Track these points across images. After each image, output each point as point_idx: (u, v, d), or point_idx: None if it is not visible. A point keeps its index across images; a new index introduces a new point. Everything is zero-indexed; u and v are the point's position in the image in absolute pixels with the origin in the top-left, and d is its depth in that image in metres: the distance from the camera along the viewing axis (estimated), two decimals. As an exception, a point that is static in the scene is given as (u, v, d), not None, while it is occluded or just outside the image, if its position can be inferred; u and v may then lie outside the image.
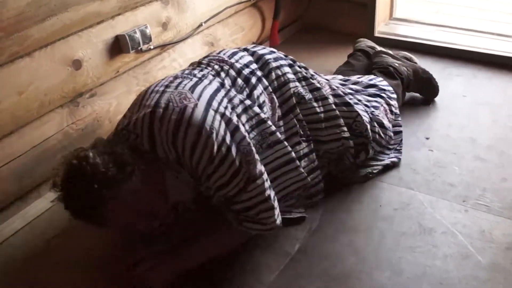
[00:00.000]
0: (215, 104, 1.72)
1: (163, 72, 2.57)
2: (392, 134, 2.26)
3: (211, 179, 1.68)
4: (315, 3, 3.43)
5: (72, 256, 1.91)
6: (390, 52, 2.64)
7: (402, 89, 2.45)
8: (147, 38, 2.39)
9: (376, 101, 2.26)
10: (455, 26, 3.20)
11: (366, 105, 2.22)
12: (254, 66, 2.00)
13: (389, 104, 2.30)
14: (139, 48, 2.37)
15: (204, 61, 1.99)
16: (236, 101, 1.82)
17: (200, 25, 2.72)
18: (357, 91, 2.29)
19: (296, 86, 2.05)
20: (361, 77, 2.41)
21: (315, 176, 2.02)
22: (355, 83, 2.35)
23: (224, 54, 2.02)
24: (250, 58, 2.03)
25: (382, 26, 3.29)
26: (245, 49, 2.09)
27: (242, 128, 1.73)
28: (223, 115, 1.71)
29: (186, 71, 1.90)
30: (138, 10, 2.37)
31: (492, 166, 2.16)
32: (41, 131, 2.09)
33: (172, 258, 1.76)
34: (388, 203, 2.01)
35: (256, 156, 1.73)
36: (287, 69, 2.06)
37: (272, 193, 1.77)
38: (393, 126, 2.29)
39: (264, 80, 1.98)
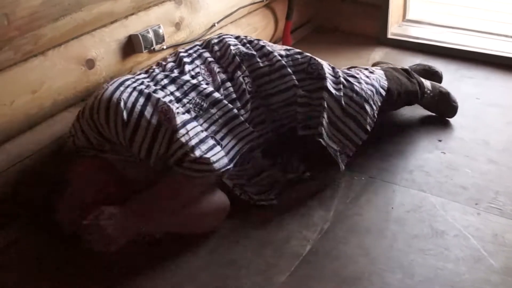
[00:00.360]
0: (127, 83, 1.89)
1: (175, 72, 2.57)
2: (371, 87, 2.21)
3: (134, 144, 1.81)
4: (328, 4, 3.42)
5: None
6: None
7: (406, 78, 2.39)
8: (160, 38, 2.39)
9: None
10: (468, 28, 3.18)
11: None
12: (194, 49, 2.20)
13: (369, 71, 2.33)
14: (152, 48, 2.37)
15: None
16: (160, 76, 2.01)
17: (213, 25, 2.72)
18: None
19: (238, 48, 2.19)
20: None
21: (263, 127, 2.14)
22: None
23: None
24: (196, 44, 2.26)
25: (395, 28, 3.28)
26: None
27: (158, 94, 1.88)
28: (133, 89, 1.86)
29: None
30: (151, 10, 2.37)
31: (505, 169, 2.14)
32: (54, 130, 2.09)
33: (125, 209, 1.80)
34: (400, 205, 2.01)
35: (177, 111, 1.85)
36: (229, 39, 2.24)
37: (209, 142, 1.86)
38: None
39: (204, 54, 2.16)
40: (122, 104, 1.80)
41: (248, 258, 1.84)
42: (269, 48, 2.21)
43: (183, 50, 2.21)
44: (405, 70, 2.44)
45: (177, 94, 1.96)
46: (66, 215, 1.82)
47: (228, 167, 1.89)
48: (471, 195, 2.03)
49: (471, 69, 2.85)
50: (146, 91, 1.87)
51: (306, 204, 2.05)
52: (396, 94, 2.29)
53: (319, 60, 2.22)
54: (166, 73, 2.04)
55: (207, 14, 2.67)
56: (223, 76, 2.10)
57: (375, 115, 2.19)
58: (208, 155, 1.82)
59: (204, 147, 1.83)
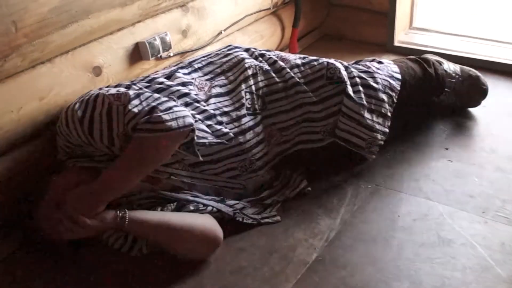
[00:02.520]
0: (90, 92, 1.92)
1: (182, 79, 2.57)
2: (385, 77, 2.25)
3: (94, 135, 1.81)
4: (335, 12, 3.43)
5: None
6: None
7: (419, 65, 2.41)
8: (167, 46, 2.40)
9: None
10: (475, 36, 3.18)
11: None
12: (199, 60, 2.19)
13: (377, 62, 2.36)
14: (159, 55, 2.37)
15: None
16: (139, 78, 2.06)
17: (220, 32, 2.72)
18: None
19: (252, 61, 2.18)
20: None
21: (260, 149, 2.11)
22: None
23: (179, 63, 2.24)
24: (203, 55, 2.24)
25: (401, 35, 3.28)
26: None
27: (107, 89, 1.90)
28: (90, 92, 1.91)
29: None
30: (159, 17, 2.38)
31: (512, 177, 2.14)
32: (60, 137, 2.10)
33: (93, 182, 1.80)
34: (407, 213, 2.00)
35: (129, 92, 1.83)
36: (239, 51, 2.23)
37: (168, 103, 1.82)
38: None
39: (206, 68, 2.15)
40: (77, 105, 1.83)
41: (254, 266, 1.84)
42: (281, 63, 2.19)
43: (185, 62, 2.20)
44: (423, 60, 2.44)
45: (146, 90, 1.94)
46: (44, 221, 1.81)
47: (192, 127, 1.80)
48: (478, 203, 2.02)
49: (478, 77, 2.85)
50: (101, 91, 1.88)
51: (313, 212, 2.05)
52: (408, 80, 2.32)
53: (334, 62, 2.24)
54: (144, 84, 2.02)
55: (214, 21, 2.67)
56: (219, 90, 2.08)
57: (395, 100, 2.25)
58: (161, 114, 1.76)
59: (161, 107, 1.79)
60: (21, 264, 1.92)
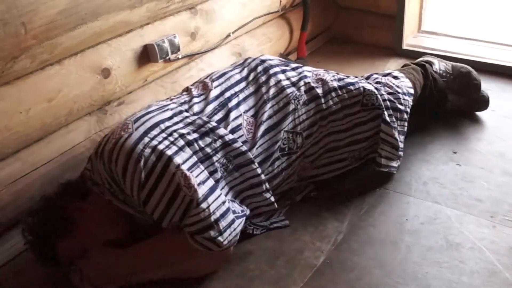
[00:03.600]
0: (153, 133, 1.77)
1: (190, 82, 2.55)
2: (405, 97, 2.24)
3: (148, 206, 1.72)
4: (343, 15, 3.43)
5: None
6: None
7: (422, 76, 2.42)
8: (175, 48, 2.40)
9: (374, 78, 2.33)
10: (483, 39, 3.17)
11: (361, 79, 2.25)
12: (240, 86, 2.05)
13: (393, 77, 2.33)
14: (167, 57, 2.38)
15: (190, 86, 2.08)
16: (191, 127, 1.85)
17: (228, 35, 2.73)
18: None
19: (292, 90, 2.06)
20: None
21: (285, 184, 2.08)
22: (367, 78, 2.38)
23: (211, 77, 2.10)
24: (238, 77, 2.08)
25: (410, 39, 3.28)
26: (242, 64, 2.17)
27: (182, 155, 1.75)
28: (158, 143, 1.74)
29: (167, 99, 2.03)
30: (167, 19, 2.39)
31: (521, 181, 2.13)
32: (69, 138, 2.11)
33: (115, 255, 1.79)
34: (415, 217, 2.00)
35: (198, 179, 1.73)
36: (278, 73, 2.11)
37: (229, 216, 1.75)
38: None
39: (250, 97, 2.03)
40: (142, 163, 1.69)
41: (261, 269, 1.83)
42: (317, 90, 2.08)
43: (219, 86, 2.04)
44: (423, 68, 2.46)
45: (208, 150, 1.82)
46: (65, 256, 1.78)
47: (235, 243, 1.79)
48: (486, 207, 2.01)
49: (487, 81, 2.82)
50: (168, 152, 1.73)
51: (320, 215, 2.04)
52: (417, 92, 2.34)
53: (370, 86, 2.15)
54: (202, 121, 1.87)
55: (222, 24, 2.68)
56: (262, 129, 1.96)
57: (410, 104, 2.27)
58: (221, 238, 1.71)
59: (223, 223, 1.72)
60: (28, 266, 1.92)
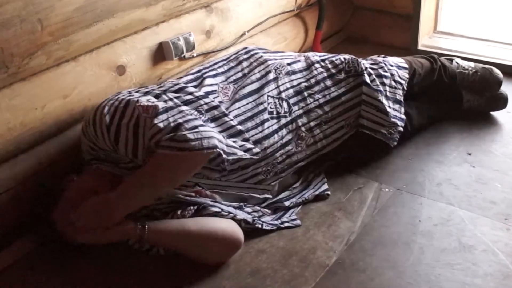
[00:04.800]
0: (119, 95, 1.91)
1: (204, 80, 2.58)
2: (391, 67, 2.35)
3: (119, 145, 1.81)
4: (358, 15, 3.42)
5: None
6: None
7: (428, 61, 2.49)
8: (190, 46, 2.41)
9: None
10: (499, 40, 3.15)
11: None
12: (219, 64, 2.21)
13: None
14: (182, 55, 2.38)
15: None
16: (160, 89, 2.00)
17: (243, 34, 2.73)
18: None
19: (274, 62, 2.21)
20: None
21: (284, 152, 2.10)
22: None
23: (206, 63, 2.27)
24: (218, 60, 2.25)
25: (425, 39, 3.26)
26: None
27: (137, 98, 1.86)
28: (120, 95, 1.91)
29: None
30: (182, 17, 2.39)
31: (535, 184, 2.12)
32: (83, 135, 2.12)
33: (109, 193, 1.80)
34: (428, 218, 1.99)
35: (157, 105, 1.82)
36: (261, 53, 2.26)
37: (195, 122, 1.81)
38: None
39: (230, 71, 2.18)
40: (106, 109, 1.83)
41: (273, 268, 1.84)
42: (302, 63, 2.27)
43: (207, 64, 2.23)
44: (430, 56, 2.54)
45: (176, 101, 1.93)
46: (61, 221, 1.82)
47: (216, 149, 1.79)
48: (500, 210, 2.00)
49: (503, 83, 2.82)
50: (131, 98, 1.87)
51: (333, 215, 2.04)
52: (416, 69, 2.41)
53: (349, 56, 2.32)
54: (176, 84, 2.04)
55: (237, 22, 2.68)
56: (243, 92, 2.10)
57: (405, 88, 2.34)
58: (189, 135, 1.74)
59: (187, 125, 1.77)
60: (40, 261, 1.94)
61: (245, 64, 2.21)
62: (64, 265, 1.91)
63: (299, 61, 2.27)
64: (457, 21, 3.47)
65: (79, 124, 2.07)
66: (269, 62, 2.20)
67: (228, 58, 2.26)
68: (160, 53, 2.33)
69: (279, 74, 2.18)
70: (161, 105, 1.83)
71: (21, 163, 1.95)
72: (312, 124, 2.17)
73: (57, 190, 1.89)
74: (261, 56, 2.23)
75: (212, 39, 2.57)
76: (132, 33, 2.20)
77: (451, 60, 2.56)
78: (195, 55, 2.46)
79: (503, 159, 2.26)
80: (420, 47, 3.19)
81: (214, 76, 2.14)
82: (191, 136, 1.74)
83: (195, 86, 2.06)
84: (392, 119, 2.24)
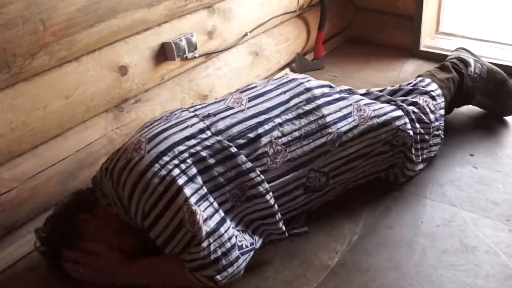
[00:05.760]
0: (165, 158, 1.69)
1: (207, 80, 2.58)
2: (437, 123, 2.21)
3: (151, 233, 1.70)
4: (361, 15, 3.42)
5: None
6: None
7: (458, 84, 2.36)
8: (192, 46, 2.41)
9: (413, 97, 2.21)
10: (502, 41, 3.15)
11: (401, 105, 2.11)
12: (278, 111, 1.92)
13: (431, 97, 2.22)
14: (185, 55, 2.38)
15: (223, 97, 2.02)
16: (208, 151, 1.75)
17: (245, 34, 2.73)
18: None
19: (331, 129, 1.95)
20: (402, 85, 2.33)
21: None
22: (394, 92, 2.27)
23: (248, 94, 1.99)
24: (277, 101, 1.95)
25: (427, 40, 3.26)
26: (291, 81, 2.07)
27: (187, 190, 1.66)
28: (168, 172, 1.67)
29: (182, 109, 1.94)
30: (185, 18, 2.39)
31: (538, 185, 2.11)
32: (85, 135, 2.12)
33: (120, 267, 1.78)
34: (430, 219, 1.99)
35: (203, 216, 1.65)
36: (324, 110, 1.98)
37: (232, 254, 1.70)
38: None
39: (287, 124, 1.90)
40: (148, 192, 1.65)
41: (275, 269, 1.83)
42: (354, 131, 1.98)
43: (260, 99, 1.96)
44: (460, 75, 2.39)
45: (220, 179, 1.75)
46: (70, 265, 1.79)
47: (239, 278, 1.75)
48: (503, 211, 2.00)
49: (504, 83, 2.82)
50: (179, 182, 1.66)
51: (335, 216, 2.04)
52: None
53: (405, 126, 2.05)
54: (225, 144, 1.77)
55: (239, 23, 2.68)
56: (290, 165, 1.86)
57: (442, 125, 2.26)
58: (219, 277, 1.67)
59: (224, 262, 1.67)
60: (40, 261, 1.92)
61: (303, 121, 1.93)
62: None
63: (355, 127, 1.98)
64: (459, 22, 3.47)
65: (81, 125, 2.08)
66: (327, 131, 1.93)
67: (288, 101, 1.97)
68: (162, 54, 2.33)
69: (332, 146, 1.93)
70: (205, 226, 1.65)
71: (24, 163, 1.95)
72: (340, 190, 2.07)
73: (72, 229, 1.79)
74: (322, 117, 1.94)
75: (214, 40, 2.57)
76: (134, 34, 2.20)
77: (467, 65, 2.42)
78: (197, 55, 2.46)
79: (506, 160, 2.25)
80: (422, 48, 3.19)
81: (270, 131, 1.86)
82: (224, 274, 1.68)
83: (246, 144, 1.81)
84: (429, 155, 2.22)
